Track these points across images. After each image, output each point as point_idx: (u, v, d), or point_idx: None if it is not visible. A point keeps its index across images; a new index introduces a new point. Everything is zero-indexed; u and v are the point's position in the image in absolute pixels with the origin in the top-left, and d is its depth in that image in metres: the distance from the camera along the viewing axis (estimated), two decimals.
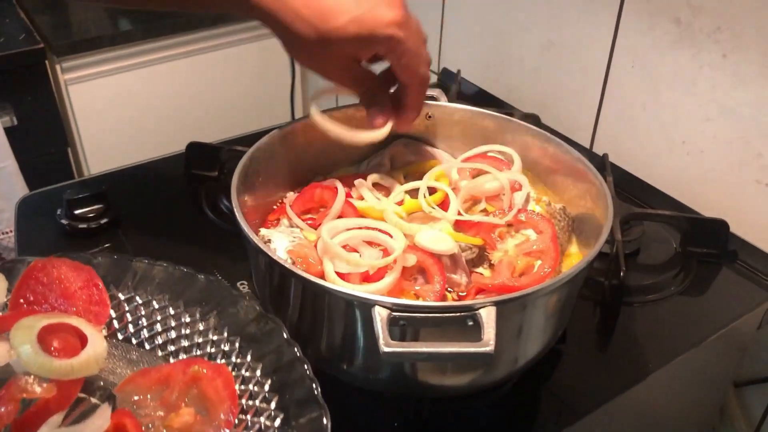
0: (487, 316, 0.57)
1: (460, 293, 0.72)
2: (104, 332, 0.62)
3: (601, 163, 1.06)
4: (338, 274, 0.68)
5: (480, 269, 0.74)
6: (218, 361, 0.60)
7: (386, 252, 0.71)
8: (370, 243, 0.73)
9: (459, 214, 0.76)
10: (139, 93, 1.76)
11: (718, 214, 0.97)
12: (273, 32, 0.70)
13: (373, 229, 0.72)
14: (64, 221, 0.93)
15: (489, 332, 0.56)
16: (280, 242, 0.71)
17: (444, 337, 0.60)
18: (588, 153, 1.16)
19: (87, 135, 1.73)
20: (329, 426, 0.51)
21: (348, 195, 0.79)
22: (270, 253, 0.63)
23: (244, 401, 0.56)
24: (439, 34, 1.45)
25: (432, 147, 0.90)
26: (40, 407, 0.53)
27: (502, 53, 1.31)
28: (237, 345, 0.60)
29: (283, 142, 0.82)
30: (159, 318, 0.64)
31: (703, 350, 0.84)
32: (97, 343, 0.57)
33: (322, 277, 0.68)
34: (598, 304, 0.88)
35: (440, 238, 0.71)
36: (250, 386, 0.58)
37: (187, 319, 0.63)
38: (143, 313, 0.64)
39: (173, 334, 0.63)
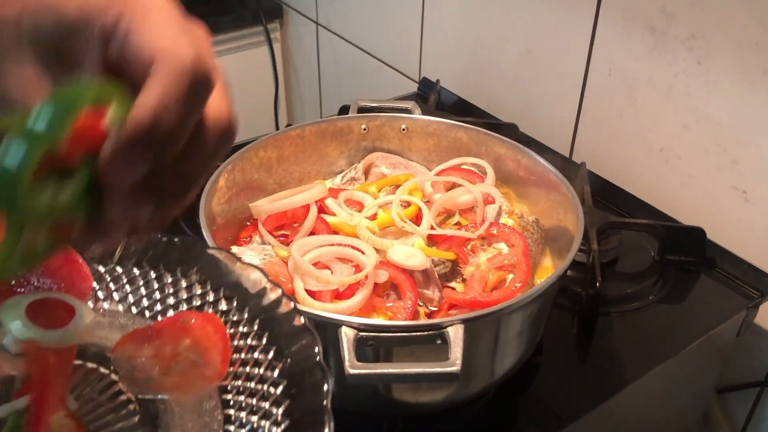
0: (455, 335, 0.56)
1: (433, 308, 0.71)
2: (90, 304, 0.62)
3: (580, 172, 1.05)
4: (309, 291, 0.68)
5: (453, 283, 0.74)
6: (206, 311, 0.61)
7: (358, 268, 0.70)
8: (342, 259, 0.72)
9: (432, 228, 0.76)
10: None
11: (696, 222, 0.97)
12: None
13: (344, 245, 0.72)
14: None
15: (456, 351, 0.55)
16: (251, 260, 0.71)
17: (414, 355, 0.59)
18: (567, 162, 1.16)
19: None
20: (320, 349, 0.51)
21: (321, 210, 0.79)
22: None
23: (236, 342, 0.57)
24: (419, 44, 1.45)
25: (407, 160, 0.90)
26: (40, 378, 0.53)
27: (482, 62, 1.30)
28: (222, 294, 0.60)
29: (255, 157, 0.82)
30: (141, 283, 0.64)
31: (683, 358, 0.84)
32: (84, 312, 0.58)
33: (293, 295, 0.67)
34: (575, 314, 0.88)
35: (412, 253, 0.70)
36: (240, 328, 0.58)
37: (170, 279, 0.63)
38: (125, 281, 0.64)
39: (158, 295, 0.63)
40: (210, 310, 0.59)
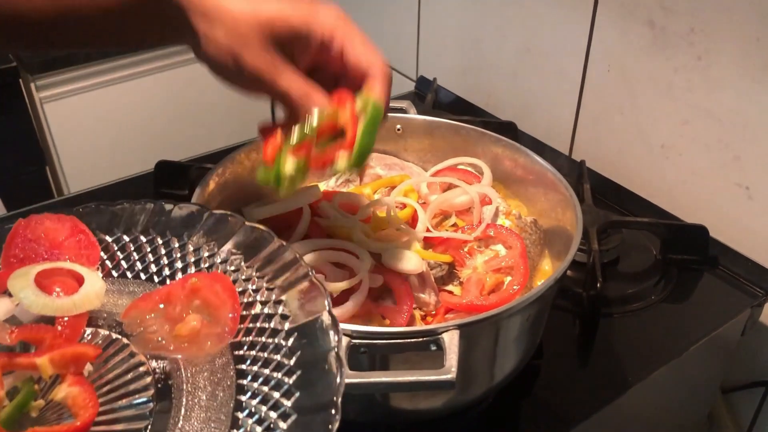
0: (450, 341, 0.55)
1: (429, 312, 0.70)
2: (99, 273, 0.62)
3: (579, 170, 1.04)
4: None
5: (450, 287, 0.72)
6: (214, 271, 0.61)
7: (353, 272, 0.69)
8: (337, 263, 0.71)
9: (428, 230, 0.74)
10: (117, 108, 1.74)
11: (698, 219, 0.95)
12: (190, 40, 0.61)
13: (338, 249, 0.70)
14: None
15: (451, 358, 0.54)
16: None
17: (409, 362, 0.58)
18: (566, 160, 1.14)
19: (65, 153, 1.70)
20: (329, 301, 0.52)
21: (315, 213, 0.77)
22: None
23: (245, 299, 0.57)
24: (415, 42, 1.43)
25: (402, 160, 0.88)
26: (51, 344, 0.53)
27: (479, 60, 1.29)
28: (228, 253, 0.60)
29: (247, 159, 0.80)
30: (149, 249, 0.64)
31: (688, 359, 0.83)
32: (94, 280, 0.59)
33: None
34: (576, 315, 0.86)
35: (407, 257, 0.69)
36: (249, 285, 0.58)
37: (176, 245, 0.63)
38: (132, 248, 0.64)
39: (166, 260, 0.63)
40: (218, 270, 0.59)
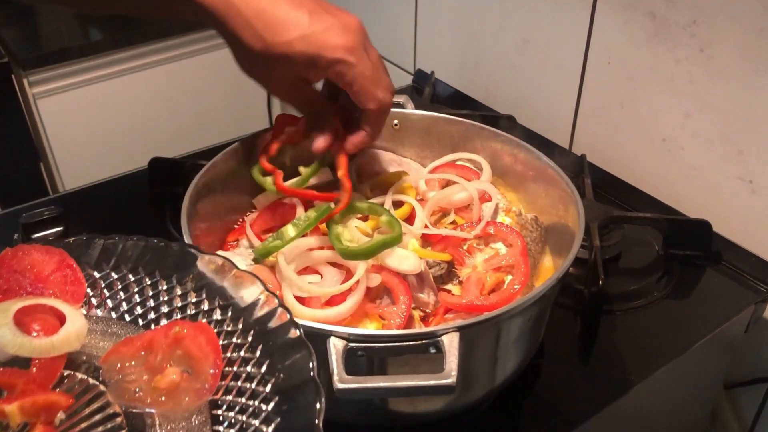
0: (450, 343, 0.53)
1: (428, 312, 0.68)
2: (83, 311, 0.61)
3: (580, 165, 1.02)
4: (298, 298, 0.65)
5: (449, 286, 0.70)
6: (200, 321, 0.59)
7: (350, 272, 0.67)
8: (334, 263, 0.69)
9: (426, 227, 0.73)
10: (112, 104, 1.72)
11: (700, 214, 0.94)
12: (222, 38, 0.68)
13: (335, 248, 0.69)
14: None
15: (451, 361, 0.52)
16: (238, 265, 0.67)
17: (408, 365, 0.56)
18: (566, 154, 1.13)
19: (59, 149, 1.69)
20: (315, 364, 0.50)
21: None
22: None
23: (229, 354, 0.55)
24: (413, 35, 1.42)
25: (400, 156, 0.86)
26: (24, 390, 0.51)
27: (477, 53, 1.27)
28: (216, 303, 0.59)
29: (242, 157, 0.79)
30: (136, 290, 0.62)
31: (691, 356, 0.81)
32: (76, 320, 0.56)
33: None
34: (578, 313, 0.85)
35: (405, 256, 0.67)
36: (234, 339, 0.56)
37: (165, 287, 0.62)
38: (120, 287, 0.63)
39: (152, 303, 0.62)
40: (204, 320, 0.57)
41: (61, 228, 0.91)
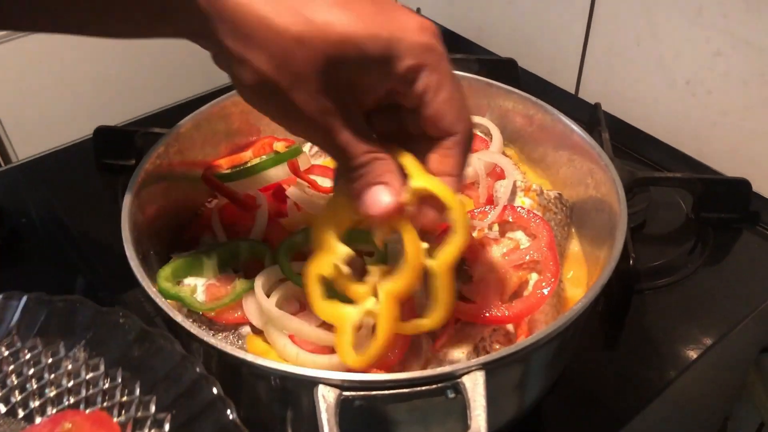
0: (473, 387, 0.42)
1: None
2: None
3: (593, 115, 0.90)
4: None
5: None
6: (98, 404, 0.49)
7: None
8: None
9: None
10: (58, 58, 1.55)
11: (729, 167, 0.86)
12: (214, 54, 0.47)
13: None
14: None
15: (478, 414, 0.40)
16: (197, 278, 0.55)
17: (418, 411, 0.44)
18: (574, 100, 1.01)
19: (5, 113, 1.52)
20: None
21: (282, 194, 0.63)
22: (170, 314, 0.46)
23: None
24: None
25: None
26: None
27: None
28: (119, 378, 0.49)
29: (197, 132, 0.65)
30: (11, 368, 0.51)
31: (734, 337, 0.72)
32: None
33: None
34: (602, 294, 0.73)
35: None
36: (146, 430, 0.47)
37: (49, 360, 0.51)
38: None
39: (34, 385, 0.51)
40: (105, 403, 0.47)
41: None
